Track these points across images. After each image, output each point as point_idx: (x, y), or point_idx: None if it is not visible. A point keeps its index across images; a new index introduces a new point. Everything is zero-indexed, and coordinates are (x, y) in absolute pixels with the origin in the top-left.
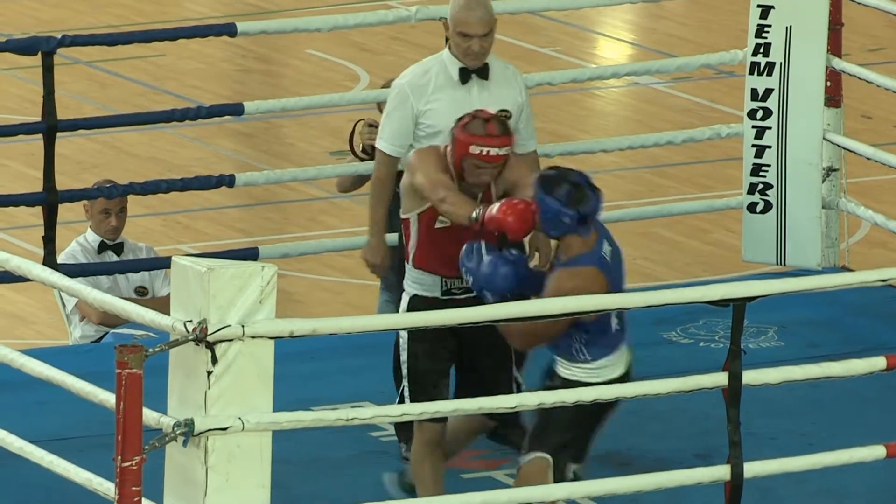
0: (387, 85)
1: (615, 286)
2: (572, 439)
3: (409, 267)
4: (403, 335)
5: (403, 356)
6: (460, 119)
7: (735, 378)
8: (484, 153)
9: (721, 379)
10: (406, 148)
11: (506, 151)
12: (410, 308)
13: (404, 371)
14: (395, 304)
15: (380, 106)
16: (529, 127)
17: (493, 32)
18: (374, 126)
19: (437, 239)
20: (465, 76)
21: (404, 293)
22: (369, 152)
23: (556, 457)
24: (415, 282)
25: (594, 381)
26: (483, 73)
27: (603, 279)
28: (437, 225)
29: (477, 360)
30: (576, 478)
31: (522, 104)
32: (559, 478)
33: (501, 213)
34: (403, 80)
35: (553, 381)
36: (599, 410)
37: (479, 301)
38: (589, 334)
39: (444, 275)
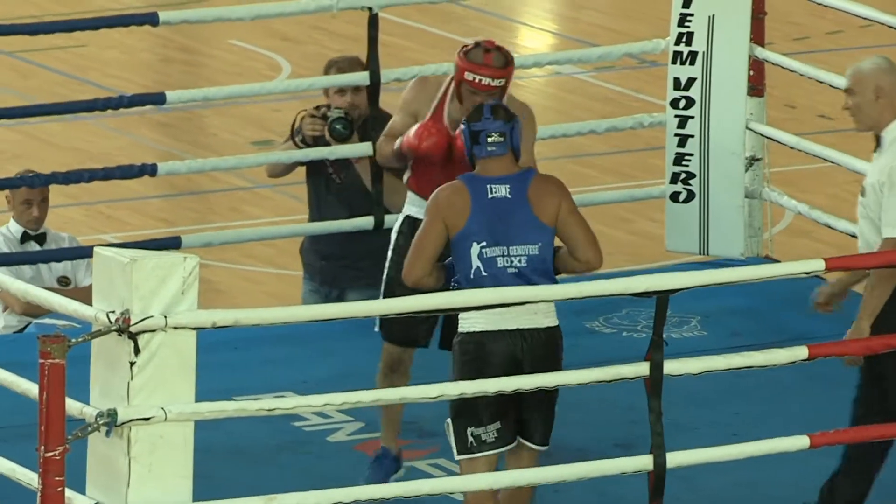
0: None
1: (486, 223)
2: (464, 402)
3: (408, 190)
4: (389, 254)
5: (385, 274)
6: (464, 45)
7: (657, 368)
8: (476, 80)
9: (643, 369)
10: None
11: (499, 83)
12: (402, 228)
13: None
14: (318, 294)
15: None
16: None
17: (863, 95)
18: (316, 117)
19: (420, 164)
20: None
21: (401, 213)
22: (309, 144)
23: (454, 421)
24: (410, 203)
25: (471, 329)
26: (878, 140)
27: (462, 198)
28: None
29: None
30: (479, 442)
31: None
32: (460, 442)
33: (415, 137)
34: None
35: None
36: (484, 369)
37: None
38: (457, 270)
39: (426, 196)
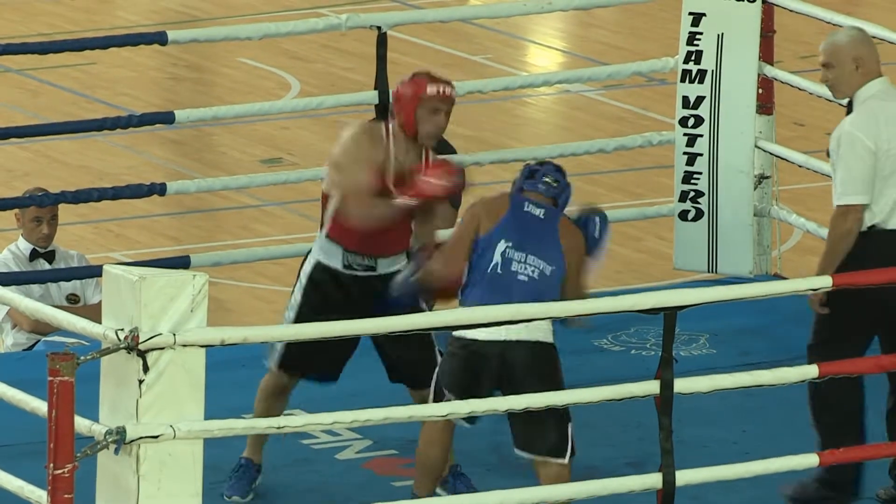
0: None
1: (516, 228)
2: (442, 371)
3: (320, 235)
4: (297, 296)
5: (290, 314)
6: (401, 81)
7: (667, 386)
8: (440, 90)
9: (653, 387)
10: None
11: (453, 94)
12: (313, 274)
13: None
14: None
15: None
16: None
17: (838, 68)
18: None
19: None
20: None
21: (309, 257)
22: None
23: (435, 384)
24: (321, 249)
25: (461, 335)
26: (850, 104)
27: (501, 203)
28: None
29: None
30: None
31: None
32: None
33: (430, 179)
34: None
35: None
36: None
37: (375, 280)
38: (470, 270)
39: (346, 247)
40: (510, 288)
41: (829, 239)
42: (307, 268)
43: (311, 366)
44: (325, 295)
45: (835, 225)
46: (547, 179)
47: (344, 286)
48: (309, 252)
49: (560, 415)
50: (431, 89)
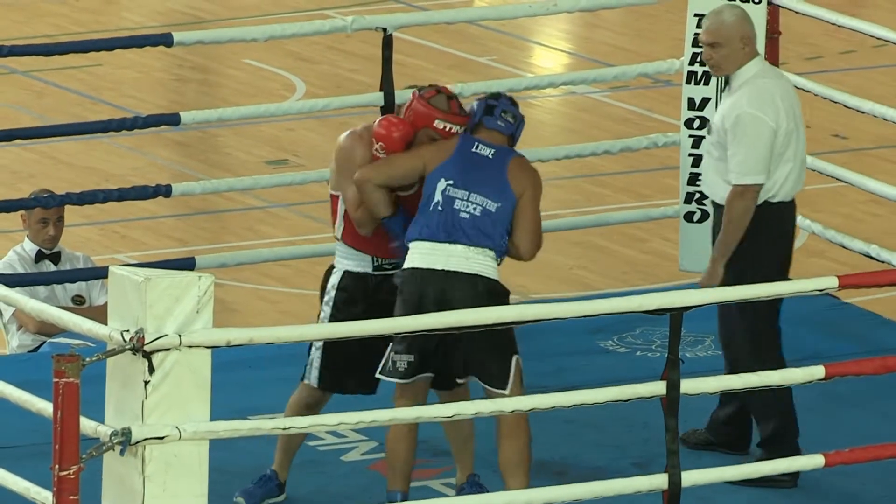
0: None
1: (460, 167)
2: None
3: (338, 243)
4: (326, 310)
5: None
6: (421, 89)
7: (673, 387)
8: (446, 129)
9: (659, 388)
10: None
11: (460, 130)
12: (341, 284)
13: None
14: None
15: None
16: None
17: (726, 46)
18: None
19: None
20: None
21: (335, 270)
22: None
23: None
24: (345, 258)
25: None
26: (727, 80)
27: (449, 145)
28: None
29: None
30: (401, 367)
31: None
32: (385, 362)
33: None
34: None
35: None
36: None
37: None
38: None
39: (373, 254)
40: (453, 225)
41: (728, 218)
42: (334, 279)
43: (349, 380)
44: (355, 301)
45: (733, 204)
46: (506, 115)
47: (372, 289)
48: (331, 267)
49: (503, 345)
50: (439, 124)
